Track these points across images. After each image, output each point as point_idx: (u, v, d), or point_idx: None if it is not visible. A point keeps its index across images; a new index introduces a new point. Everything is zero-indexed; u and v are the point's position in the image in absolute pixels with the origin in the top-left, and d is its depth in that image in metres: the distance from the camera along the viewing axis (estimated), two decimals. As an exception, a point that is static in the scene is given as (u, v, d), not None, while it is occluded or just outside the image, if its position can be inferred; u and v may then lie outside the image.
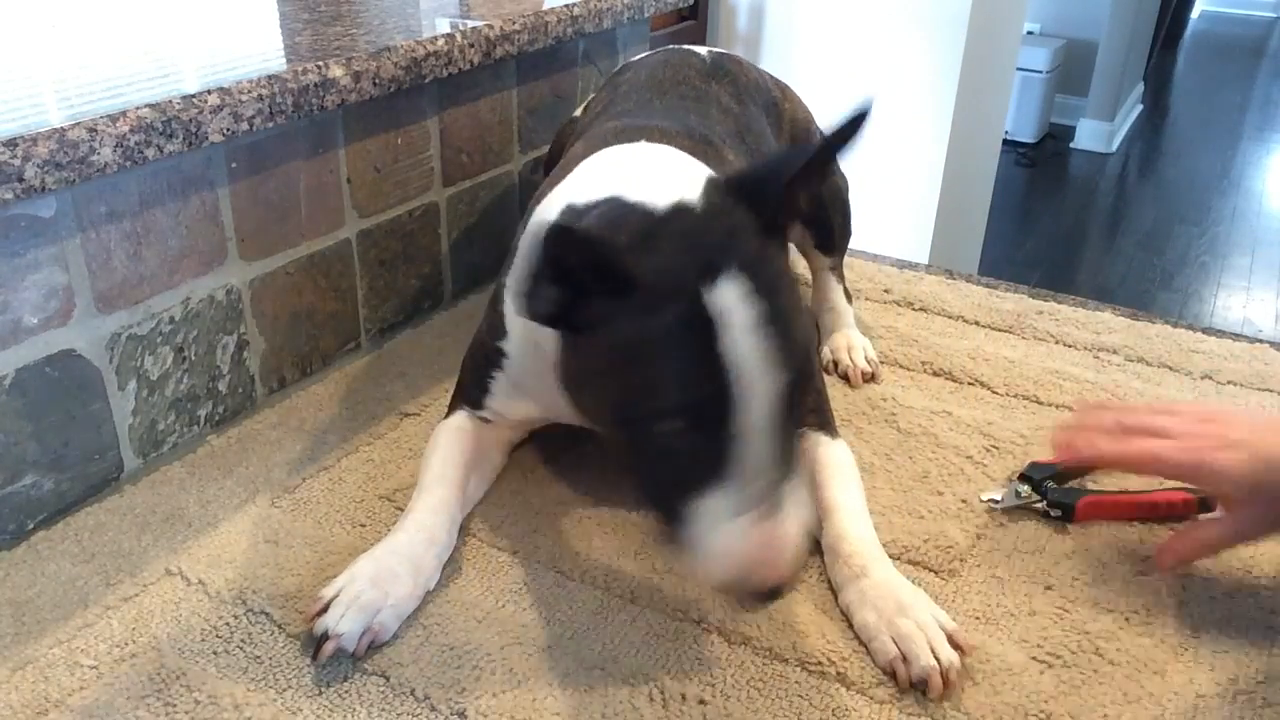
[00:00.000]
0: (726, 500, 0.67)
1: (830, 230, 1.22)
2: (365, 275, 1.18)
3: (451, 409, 0.97)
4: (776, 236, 0.74)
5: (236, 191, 1.00)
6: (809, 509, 0.73)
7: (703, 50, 1.21)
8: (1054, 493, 0.89)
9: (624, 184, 0.78)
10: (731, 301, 0.66)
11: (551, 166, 1.13)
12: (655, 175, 0.83)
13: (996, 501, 0.90)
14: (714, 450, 0.67)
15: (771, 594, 0.70)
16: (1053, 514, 0.89)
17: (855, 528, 0.84)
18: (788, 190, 0.73)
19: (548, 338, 0.79)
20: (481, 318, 0.98)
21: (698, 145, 0.95)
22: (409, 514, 0.84)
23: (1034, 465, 0.93)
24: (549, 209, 0.87)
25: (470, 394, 0.95)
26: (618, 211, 0.75)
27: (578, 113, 1.24)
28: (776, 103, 1.23)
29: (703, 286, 0.66)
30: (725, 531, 0.67)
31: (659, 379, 0.67)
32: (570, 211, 0.81)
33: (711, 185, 0.75)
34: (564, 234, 0.65)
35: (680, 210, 0.72)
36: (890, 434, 1.03)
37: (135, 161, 0.86)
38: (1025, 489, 0.90)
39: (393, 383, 1.12)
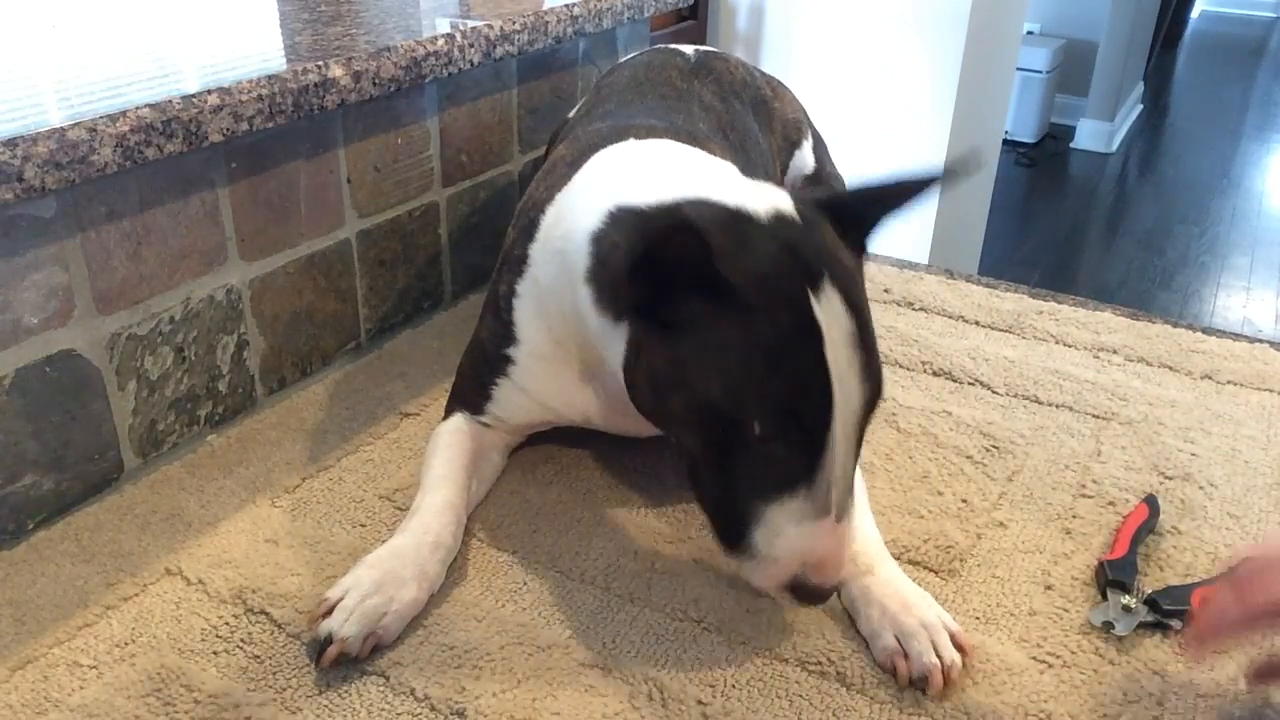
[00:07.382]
0: (805, 505, 0.69)
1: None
2: (365, 275, 1.17)
3: (449, 412, 0.96)
4: (858, 256, 0.77)
5: (236, 191, 1.00)
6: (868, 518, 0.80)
7: (689, 49, 1.21)
8: (1165, 600, 0.80)
9: (665, 180, 0.79)
10: (833, 313, 0.68)
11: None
12: (681, 169, 0.84)
13: (1110, 625, 0.79)
14: (802, 456, 0.68)
15: (825, 595, 0.73)
16: (1174, 626, 0.79)
17: (860, 526, 0.84)
18: (870, 214, 0.76)
19: (588, 336, 0.79)
20: (479, 322, 0.97)
21: (684, 139, 0.95)
22: (413, 516, 0.84)
23: (1112, 566, 0.83)
24: (569, 211, 0.86)
25: (470, 400, 0.95)
26: (714, 213, 0.73)
27: (571, 115, 1.24)
28: (766, 100, 1.23)
29: (808, 297, 0.68)
30: (800, 533, 0.69)
31: (766, 384, 0.68)
32: (635, 212, 0.79)
33: (804, 201, 0.76)
34: (677, 230, 0.66)
35: (781, 219, 0.73)
36: (890, 434, 1.03)
37: (135, 161, 0.86)
38: (1131, 601, 0.80)
39: (393, 383, 1.12)
